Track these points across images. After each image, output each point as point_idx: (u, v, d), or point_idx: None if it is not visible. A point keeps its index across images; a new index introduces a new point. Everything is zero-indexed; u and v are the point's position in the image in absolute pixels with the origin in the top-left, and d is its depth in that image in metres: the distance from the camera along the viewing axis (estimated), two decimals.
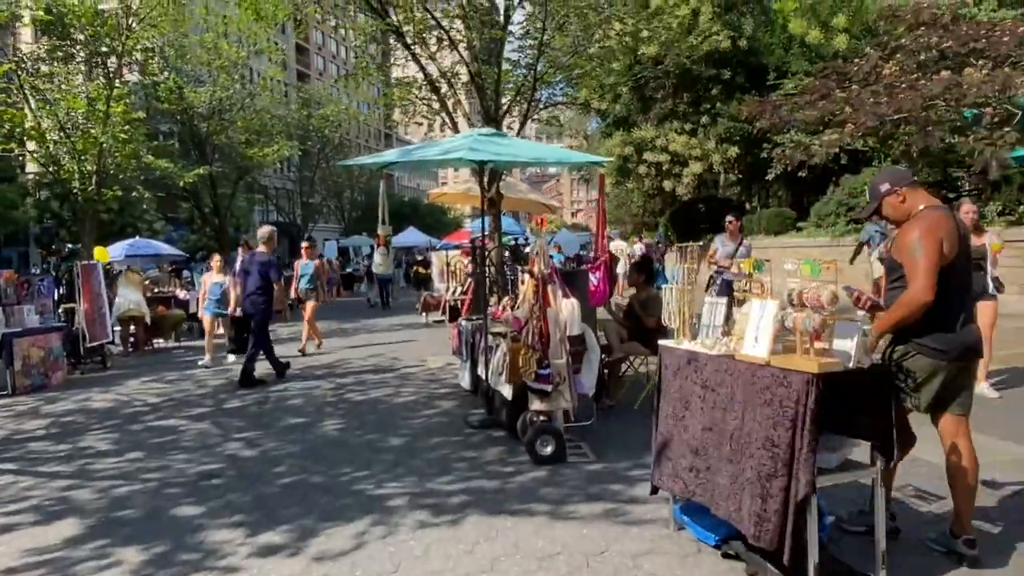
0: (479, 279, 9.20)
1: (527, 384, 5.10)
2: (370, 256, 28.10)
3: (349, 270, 32.40)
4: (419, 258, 27.58)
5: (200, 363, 10.40)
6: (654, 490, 3.90)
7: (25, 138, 11.74)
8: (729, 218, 8.73)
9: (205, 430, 6.52)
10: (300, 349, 11.31)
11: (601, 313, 7.57)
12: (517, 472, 4.96)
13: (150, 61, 15.48)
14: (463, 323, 7.67)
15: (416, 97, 10.39)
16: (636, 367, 7.31)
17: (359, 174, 47.86)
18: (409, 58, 10.29)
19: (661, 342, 3.84)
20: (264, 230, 9.42)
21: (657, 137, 21.79)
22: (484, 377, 6.55)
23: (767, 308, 3.26)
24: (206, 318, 10.81)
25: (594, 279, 6.07)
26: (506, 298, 8.06)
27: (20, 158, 12.32)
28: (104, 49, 12.82)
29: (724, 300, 3.77)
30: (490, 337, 6.55)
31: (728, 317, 3.72)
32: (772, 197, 28.97)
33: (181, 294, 15.42)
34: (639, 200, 27.62)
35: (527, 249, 7.90)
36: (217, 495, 4.71)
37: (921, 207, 3.33)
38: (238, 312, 9.50)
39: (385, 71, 11.25)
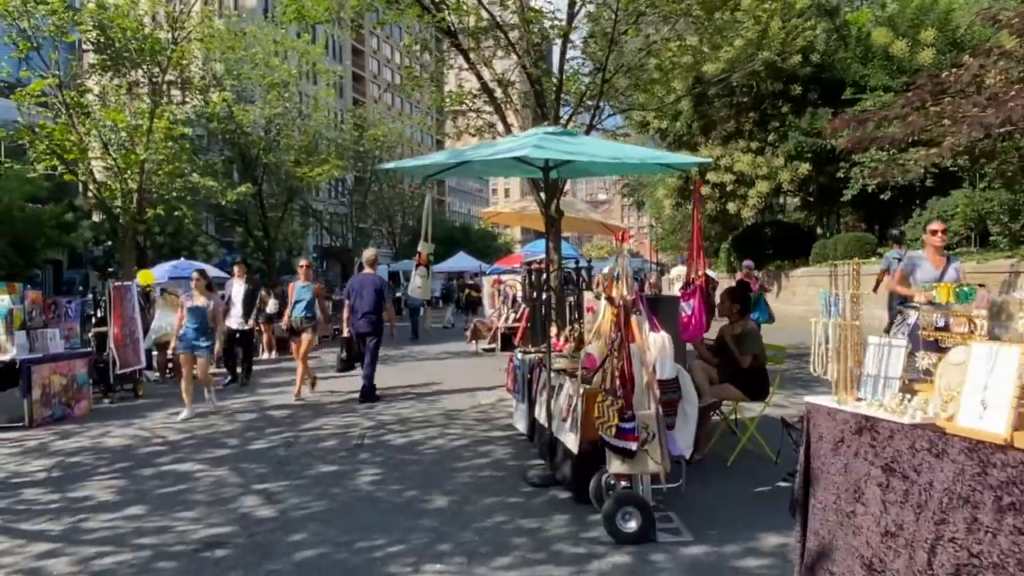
0: (536, 307, 8.23)
1: (605, 440, 4.03)
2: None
3: (399, 294, 31.91)
4: (470, 282, 26.89)
5: (179, 417, 8.08)
6: None
7: (66, 155, 11.39)
8: (934, 226, 5.99)
9: (222, 478, 5.63)
10: (296, 395, 9.36)
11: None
12: (592, 555, 3.87)
13: (199, 80, 15.16)
14: (519, 357, 6.65)
15: (468, 108, 9.52)
16: (727, 414, 6.15)
17: (411, 197, 47.77)
18: (463, 65, 9.48)
19: (811, 399, 2.75)
20: (369, 253, 9.76)
21: (722, 157, 20.56)
22: (545, 423, 5.52)
23: (1001, 357, 2.13)
24: (182, 357, 8.45)
25: (687, 308, 4.98)
26: (567, 328, 7.04)
27: (62, 176, 11.95)
28: (156, 70, 12.48)
29: (902, 341, 2.65)
30: (552, 375, 5.54)
31: (915, 366, 2.61)
32: (841, 221, 27.26)
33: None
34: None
35: (606, 270, 6.69)
36: (216, 573, 3.77)
37: None
38: (346, 332, 9.45)
39: (438, 79, 10.40)
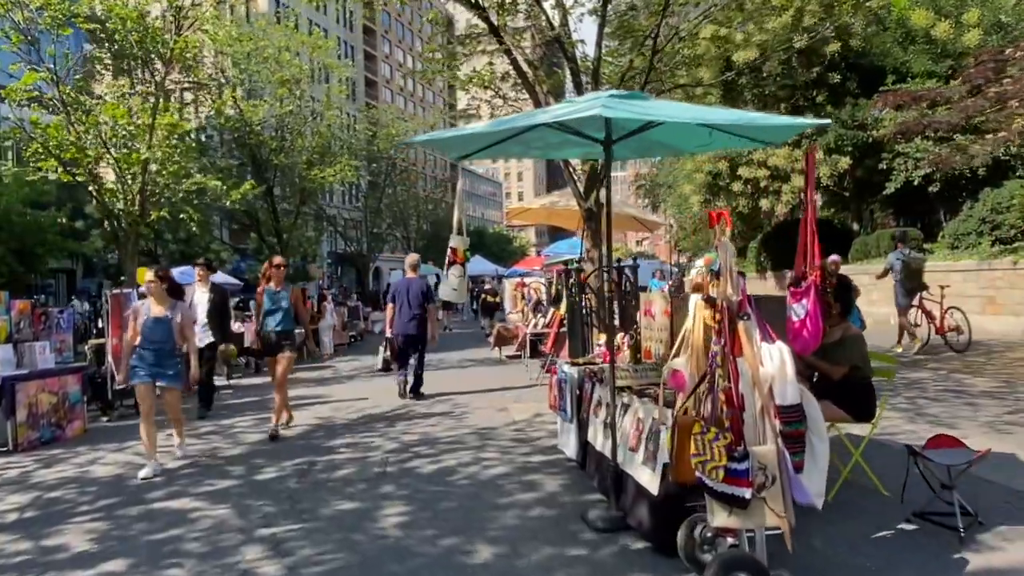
0: (577, 311, 7.32)
1: (706, 484, 3.09)
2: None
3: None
4: (487, 286, 26.08)
5: (140, 474, 5.78)
6: None
7: (62, 154, 10.61)
8: None
9: (222, 519, 4.74)
10: (271, 433, 7.22)
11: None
12: None
13: (205, 75, 14.35)
14: (566, 369, 5.73)
15: (495, 93, 8.57)
16: None
17: (425, 199, 47.18)
18: (486, 49, 8.61)
19: None
20: (412, 257, 9.69)
21: (755, 150, 19.52)
22: (606, 451, 4.59)
23: None
24: (139, 389, 6.01)
25: (799, 310, 4.00)
26: (621, 335, 6.11)
27: (60, 178, 11.16)
28: (158, 64, 11.70)
29: None
30: (608, 391, 4.61)
31: None
32: (873, 217, 26.08)
33: (236, 326, 14.11)
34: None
35: (700, 263, 5.64)
36: None
37: None
38: (388, 333, 9.54)
39: (452, 62, 9.44)
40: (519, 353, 13.85)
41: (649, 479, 3.88)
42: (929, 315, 11.45)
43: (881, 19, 20.20)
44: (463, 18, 9.22)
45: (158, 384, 6.07)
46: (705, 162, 20.75)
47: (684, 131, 4.45)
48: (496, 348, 14.85)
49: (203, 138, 19.89)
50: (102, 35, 12.09)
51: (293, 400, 9.78)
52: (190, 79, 13.66)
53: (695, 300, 3.47)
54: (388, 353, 9.94)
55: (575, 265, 7.48)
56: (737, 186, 20.18)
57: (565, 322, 10.32)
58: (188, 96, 17.46)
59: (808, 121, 3.51)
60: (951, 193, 18.81)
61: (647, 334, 5.67)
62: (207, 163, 15.80)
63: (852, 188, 22.09)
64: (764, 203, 20.34)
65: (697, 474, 3.13)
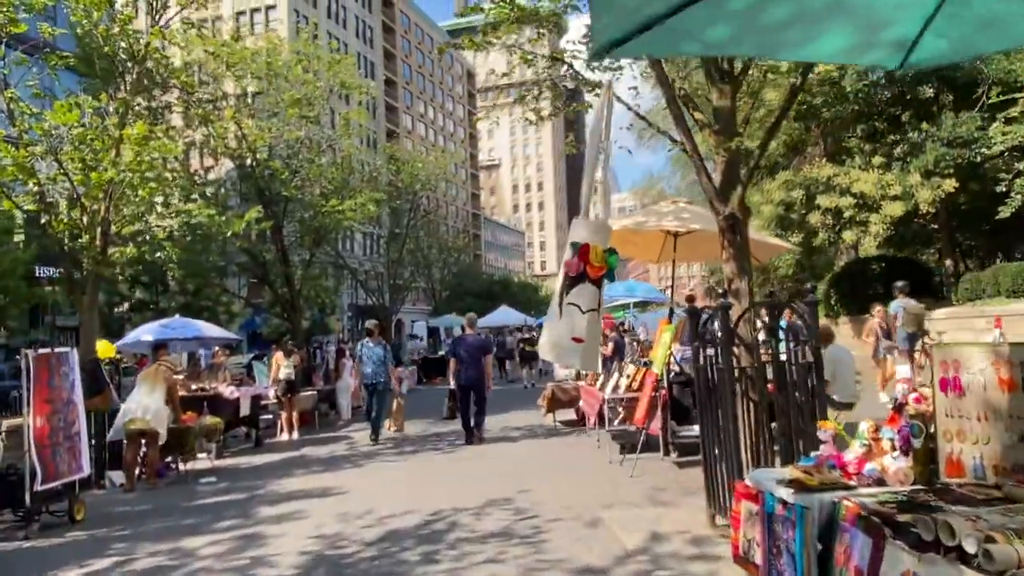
0: (709, 374, 4.55)
1: None
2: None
3: (441, 353, 28.48)
4: (526, 336, 23.45)
5: None
6: None
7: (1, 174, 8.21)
8: None
9: None
10: None
11: None
12: None
13: (187, 77, 12.11)
14: (786, 496, 2.92)
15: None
16: None
17: (449, 249, 45.00)
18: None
19: None
20: (470, 316, 11.28)
21: (836, 175, 16.83)
22: None
23: None
24: None
25: None
26: (870, 426, 3.36)
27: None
28: (129, 62, 9.47)
29: None
30: None
31: None
32: (970, 253, 23.15)
33: (227, 391, 11.27)
34: (791, 259, 22.17)
35: None
36: None
37: None
38: (452, 384, 10.86)
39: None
40: (589, 423, 10.89)
41: None
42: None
43: None
44: None
45: None
46: (776, 189, 18.07)
47: None
48: (549, 414, 11.99)
49: (222, 190, 17.90)
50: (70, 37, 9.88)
51: (296, 500, 6.97)
52: (170, 85, 11.45)
53: None
54: (451, 403, 11.48)
55: (721, 300, 4.70)
56: (815, 217, 17.41)
57: (662, 384, 7.57)
58: (178, 120, 15.33)
59: None
60: None
61: (950, 427, 2.91)
62: (189, 186, 13.48)
63: (943, 218, 19.25)
64: (848, 236, 17.50)
65: None
